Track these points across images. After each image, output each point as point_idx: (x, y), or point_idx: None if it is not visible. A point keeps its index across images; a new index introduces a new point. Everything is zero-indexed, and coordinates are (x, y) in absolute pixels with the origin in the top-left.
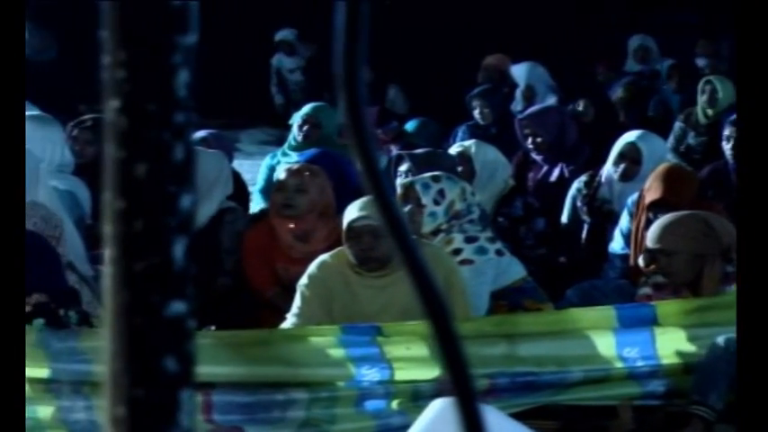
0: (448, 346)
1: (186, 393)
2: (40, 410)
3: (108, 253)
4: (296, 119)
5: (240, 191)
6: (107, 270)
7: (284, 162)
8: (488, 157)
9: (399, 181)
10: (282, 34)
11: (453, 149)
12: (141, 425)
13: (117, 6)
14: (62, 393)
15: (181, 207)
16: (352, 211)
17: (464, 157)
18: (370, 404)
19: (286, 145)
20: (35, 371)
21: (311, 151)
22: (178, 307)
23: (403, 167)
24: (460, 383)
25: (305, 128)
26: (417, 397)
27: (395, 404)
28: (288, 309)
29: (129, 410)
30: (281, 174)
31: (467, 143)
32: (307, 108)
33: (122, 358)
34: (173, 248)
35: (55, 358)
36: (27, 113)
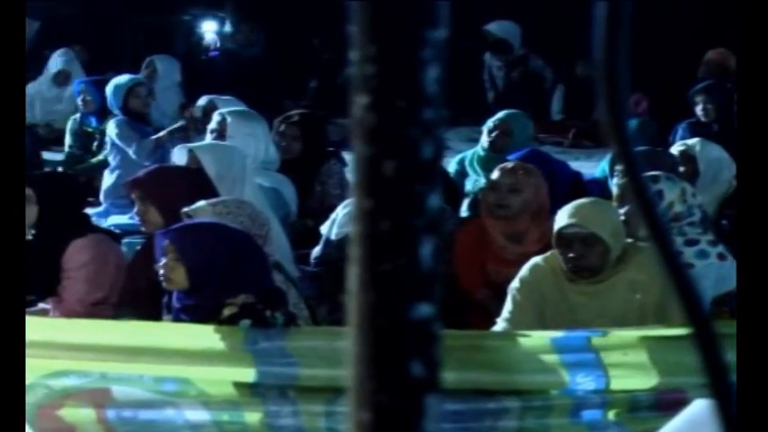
0: (707, 349)
1: (432, 400)
2: (247, 416)
3: (354, 253)
4: (488, 124)
5: (449, 190)
6: (352, 271)
7: (472, 173)
8: (713, 155)
9: (616, 181)
10: (489, 29)
11: (675, 148)
12: (386, 431)
13: (367, 1)
14: (269, 398)
15: (428, 206)
16: (562, 218)
17: (687, 156)
18: (586, 414)
19: (472, 153)
20: (241, 374)
21: (525, 150)
22: (425, 310)
23: (620, 167)
24: (719, 386)
25: (493, 134)
26: (635, 408)
27: (611, 415)
28: (497, 312)
29: (373, 416)
30: (494, 173)
31: (690, 141)
32: (500, 114)
33: (367, 362)
34: (420, 249)
35: (261, 361)
36: (232, 109)
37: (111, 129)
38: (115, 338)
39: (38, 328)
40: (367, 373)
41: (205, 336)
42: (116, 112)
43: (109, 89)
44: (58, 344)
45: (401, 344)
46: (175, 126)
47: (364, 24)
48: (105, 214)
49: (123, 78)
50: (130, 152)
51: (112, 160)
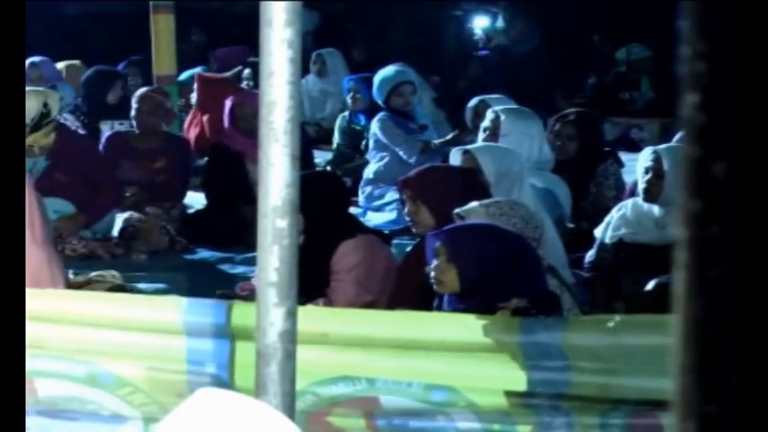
0: None
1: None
2: (519, 427)
3: (680, 258)
4: None
5: None
6: (678, 276)
7: None
8: None
9: None
10: None
11: None
12: None
13: None
14: (541, 409)
15: None
16: None
17: None
18: None
19: None
20: (512, 379)
21: None
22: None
23: None
24: None
25: None
26: None
27: None
28: None
29: (699, 428)
30: None
31: None
32: None
33: (694, 372)
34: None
35: (533, 365)
36: (507, 107)
37: (375, 125)
38: (385, 330)
39: (309, 317)
40: (694, 384)
41: (476, 325)
42: (381, 106)
43: (376, 81)
44: (330, 335)
45: (730, 353)
46: (449, 138)
47: (696, 20)
48: (362, 214)
49: (389, 71)
50: (398, 150)
51: (373, 158)
